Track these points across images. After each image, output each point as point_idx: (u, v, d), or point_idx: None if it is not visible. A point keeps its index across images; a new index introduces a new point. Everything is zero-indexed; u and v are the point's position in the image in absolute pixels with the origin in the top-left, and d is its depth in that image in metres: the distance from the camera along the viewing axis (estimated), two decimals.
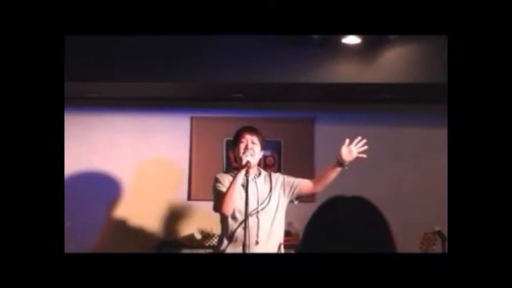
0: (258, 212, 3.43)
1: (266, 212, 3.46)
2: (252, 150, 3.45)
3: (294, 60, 4.31)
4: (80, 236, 4.90)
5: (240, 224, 3.39)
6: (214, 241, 4.86)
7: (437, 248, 3.15)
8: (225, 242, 3.51)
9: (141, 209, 5.10)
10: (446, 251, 3.00)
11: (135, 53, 4.33)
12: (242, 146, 3.47)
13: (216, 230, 4.90)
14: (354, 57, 4.29)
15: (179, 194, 5.16)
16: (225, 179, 3.51)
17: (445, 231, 2.76)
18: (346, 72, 4.35)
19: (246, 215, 3.28)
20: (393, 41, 4.20)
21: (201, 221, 5.00)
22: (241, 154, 3.46)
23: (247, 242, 3.35)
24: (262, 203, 3.45)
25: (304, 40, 4.19)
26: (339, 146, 3.58)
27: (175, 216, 5.10)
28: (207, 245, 4.84)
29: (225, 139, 5.19)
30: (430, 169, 4.85)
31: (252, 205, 3.40)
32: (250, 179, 3.43)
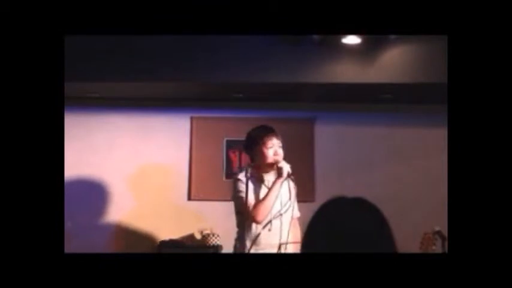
0: (281, 214, 3.43)
1: (288, 215, 3.44)
2: (280, 155, 3.44)
3: (294, 60, 4.31)
4: (80, 236, 4.91)
5: (265, 226, 3.38)
6: (215, 241, 4.86)
7: (437, 248, 3.14)
8: (247, 244, 3.40)
9: (141, 209, 5.10)
10: (446, 251, 3.00)
11: (135, 53, 4.33)
12: (271, 152, 3.43)
13: (216, 230, 4.92)
14: (354, 57, 4.29)
15: (179, 194, 5.16)
16: (247, 186, 3.40)
17: (445, 231, 2.76)
18: (346, 72, 4.35)
19: (245, 220, 3.29)
20: (393, 41, 4.20)
21: (201, 221, 5.00)
22: (270, 160, 3.42)
23: (246, 243, 3.37)
24: (284, 205, 3.44)
25: (304, 40, 4.19)
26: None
27: (175, 216, 5.10)
28: (207, 245, 4.85)
29: (225, 139, 5.19)
30: (430, 169, 4.85)
31: (276, 207, 3.41)
32: (268, 178, 3.45)
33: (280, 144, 3.47)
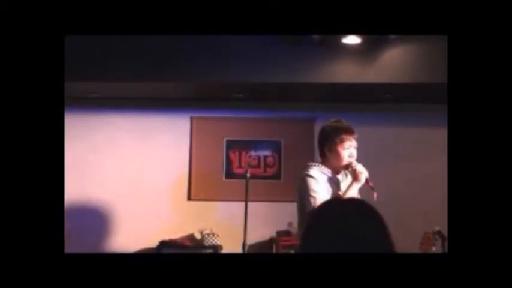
0: None
1: None
2: (355, 157, 3.19)
3: (294, 60, 4.32)
4: (79, 236, 4.90)
5: None
6: (215, 241, 4.86)
7: (437, 248, 3.14)
8: None
9: (141, 208, 5.10)
10: (446, 251, 2.99)
11: (135, 53, 4.33)
12: (346, 153, 3.16)
13: (216, 230, 4.92)
14: (354, 57, 4.30)
15: (179, 194, 5.16)
16: (320, 185, 3.11)
17: (445, 231, 2.76)
18: (346, 72, 4.35)
19: (246, 216, 3.26)
20: (393, 41, 4.20)
21: (201, 221, 5.00)
22: (344, 161, 3.15)
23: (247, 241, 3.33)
24: None
25: (304, 40, 4.20)
26: None
27: (175, 216, 5.10)
28: (207, 245, 4.85)
29: (225, 139, 5.19)
30: (430, 169, 4.85)
31: None
32: (341, 179, 3.24)
33: (356, 145, 3.21)
